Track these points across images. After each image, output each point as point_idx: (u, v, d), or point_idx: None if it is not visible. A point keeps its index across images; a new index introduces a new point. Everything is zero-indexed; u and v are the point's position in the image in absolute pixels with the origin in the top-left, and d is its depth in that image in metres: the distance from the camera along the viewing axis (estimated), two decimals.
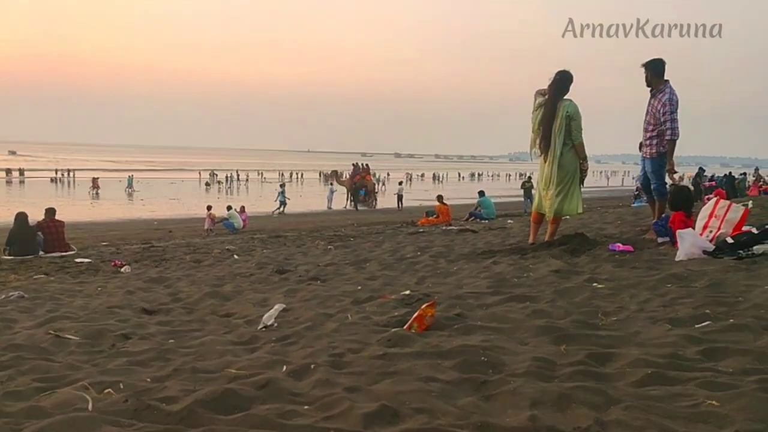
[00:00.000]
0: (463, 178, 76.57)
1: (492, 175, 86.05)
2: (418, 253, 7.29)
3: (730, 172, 30.62)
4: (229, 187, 48.02)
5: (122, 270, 8.04)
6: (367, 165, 33.40)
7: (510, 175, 78.75)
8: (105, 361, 3.30)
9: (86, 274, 7.99)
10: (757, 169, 32.87)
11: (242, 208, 20.93)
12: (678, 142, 6.59)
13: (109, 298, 5.55)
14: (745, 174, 30.41)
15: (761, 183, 28.81)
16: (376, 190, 33.90)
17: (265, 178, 60.87)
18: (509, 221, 14.24)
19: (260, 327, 3.86)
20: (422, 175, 75.12)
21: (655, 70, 6.52)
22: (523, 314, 3.55)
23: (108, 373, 2.99)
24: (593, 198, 32.03)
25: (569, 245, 6.12)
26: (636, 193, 28.58)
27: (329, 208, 30.12)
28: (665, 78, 6.49)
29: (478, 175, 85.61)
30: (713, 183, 24.28)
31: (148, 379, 2.83)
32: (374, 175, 35.77)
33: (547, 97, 6.42)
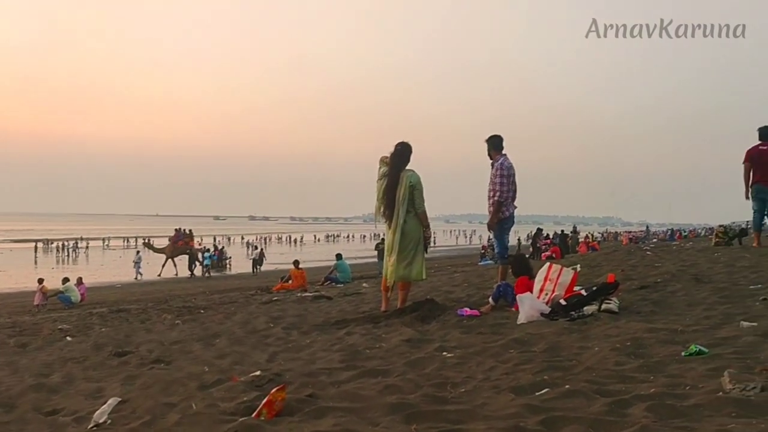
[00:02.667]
0: (319, 240, 76.87)
1: (348, 237, 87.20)
2: (271, 324, 7.08)
3: (563, 230, 33.46)
4: (67, 256, 44.42)
5: None
6: (190, 231, 33.13)
7: (365, 236, 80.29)
8: None
9: None
10: (575, 227, 36.11)
11: (79, 280, 19.38)
12: (517, 202, 7.23)
13: None
14: (574, 231, 33.37)
15: (589, 240, 31.70)
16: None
17: (108, 245, 57.09)
18: (364, 284, 14.37)
19: (91, 426, 3.47)
20: (280, 238, 74.46)
21: (494, 145, 7.23)
22: (375, 390, 3.51)
23: None
24: (443, 257, 33.47)
25: (420, 312, 6.25)
26: (482, 252, 30.21)
27: (137, 277, 29.40)
28: (503, 152, 7.14)
29: (335, 236, 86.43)
30: (548, 241, 26.36)
31: None
32: (200, 242, 35.67)
33: (389, 166, 6.66)
